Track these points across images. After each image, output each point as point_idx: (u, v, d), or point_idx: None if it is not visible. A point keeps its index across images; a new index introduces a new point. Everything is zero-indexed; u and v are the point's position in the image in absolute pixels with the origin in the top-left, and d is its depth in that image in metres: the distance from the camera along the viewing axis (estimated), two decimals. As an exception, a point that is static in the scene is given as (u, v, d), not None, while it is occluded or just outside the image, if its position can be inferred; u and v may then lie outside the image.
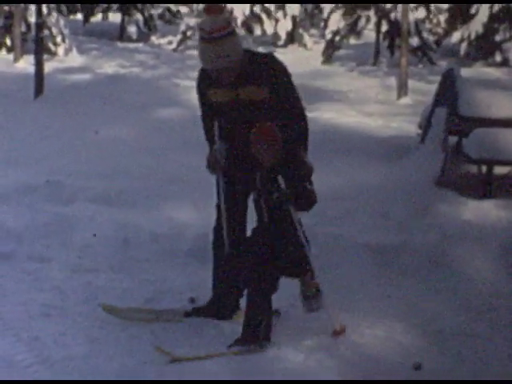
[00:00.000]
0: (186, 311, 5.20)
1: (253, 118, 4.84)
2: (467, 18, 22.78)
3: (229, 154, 5.02)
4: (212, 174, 5.11)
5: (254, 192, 4.88)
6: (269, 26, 29.22)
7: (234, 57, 4.80)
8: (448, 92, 9.26)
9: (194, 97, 5.65)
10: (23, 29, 21.63)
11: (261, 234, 4.86)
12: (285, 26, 29.43)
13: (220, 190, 5.10)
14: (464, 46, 23.42)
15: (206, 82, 4.99)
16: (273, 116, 4.86)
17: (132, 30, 30.18)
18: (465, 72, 9.41)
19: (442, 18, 24.78)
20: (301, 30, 30.62)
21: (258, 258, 4.77)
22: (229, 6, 25.07)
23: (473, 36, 22.68)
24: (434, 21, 25.49)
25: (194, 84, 5.22)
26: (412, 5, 21.75)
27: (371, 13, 24.40)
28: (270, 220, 4.83)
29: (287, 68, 4.97)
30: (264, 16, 28.97)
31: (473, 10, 22.17)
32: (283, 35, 29.60)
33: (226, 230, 5.07)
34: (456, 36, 23.61)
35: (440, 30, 25.37)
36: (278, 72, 4.89)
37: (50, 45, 22.53)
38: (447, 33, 24.67)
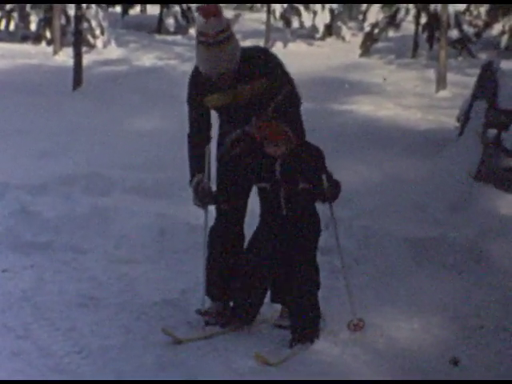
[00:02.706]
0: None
1: (254, 111, 4.75)
2: (508, 9, 22.52)
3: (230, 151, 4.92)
4: (201, 207, 5.07)
5: (267, 184, 4.73)
6: (307, 19, 29.13)
7: (236, 59, 4.72)
8: (487, 85, 9.16)
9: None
10: (63, 21, 21.78)
11: (278, 230, 4.73)
12: (323, 19, 29.31)
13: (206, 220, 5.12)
14: (505, 38, 23.19)
15: (199, 87, 4.83)
16: (271, 99, 4.79)
17: (170, 22, 30.26)
18: (505, 65, 9.29)
19: (483, 9, 24.53)
20: (339, 23, 30.46)
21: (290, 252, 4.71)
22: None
23: (514, 28, 22.46)
24: (475, 13, 25.25)
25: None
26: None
27: (410, 5, 24.22)
28: (287, 212, 4.70)
29: (280, 60, 4.91)
30: (302, 8, 28.89)
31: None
32: (321, 28, 29.49)
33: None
34: (497, 28, 23.39)
35: (480, 22, 25.11)
36: (273, 65, 4.83)
37: (89, 37, 22.69)
38: (487, 25, 24.41)
